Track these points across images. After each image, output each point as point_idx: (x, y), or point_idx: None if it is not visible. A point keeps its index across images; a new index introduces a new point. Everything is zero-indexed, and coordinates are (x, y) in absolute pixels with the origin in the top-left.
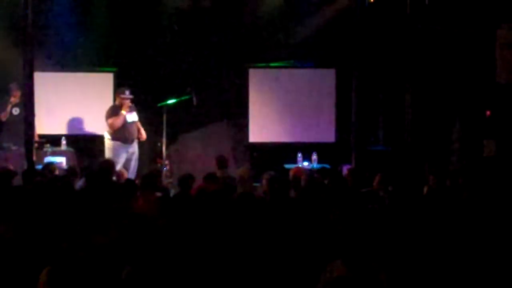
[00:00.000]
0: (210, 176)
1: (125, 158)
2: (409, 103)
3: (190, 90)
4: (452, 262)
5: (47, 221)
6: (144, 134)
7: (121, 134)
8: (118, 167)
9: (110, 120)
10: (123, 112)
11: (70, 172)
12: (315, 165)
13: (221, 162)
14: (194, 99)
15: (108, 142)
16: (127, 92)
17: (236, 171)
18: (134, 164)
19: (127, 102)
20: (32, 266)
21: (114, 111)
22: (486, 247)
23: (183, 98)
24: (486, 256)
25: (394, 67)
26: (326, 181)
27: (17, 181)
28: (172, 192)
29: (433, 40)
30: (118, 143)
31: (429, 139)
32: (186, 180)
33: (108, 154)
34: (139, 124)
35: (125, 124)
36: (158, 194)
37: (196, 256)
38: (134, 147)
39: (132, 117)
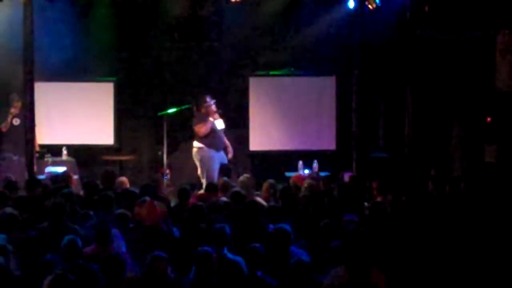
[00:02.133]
0: (211, 185)
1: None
2: (409, 110)
3: (193, 103)
4: (452, 267)
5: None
6: (231, 150)
7: (213, 141)
8: (216, 174)
9: (197, 127)
10: (211, 118)
11: (63, 180)
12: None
13: (225, 171)
14: (195, 108)
15: (203, 151)
16: (208, 98)
17: (237, 179)
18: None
19: (212, 108)
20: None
21: (201, 119)
22: (486, 252)
23: (183, 107)
24: (487, 261)
25: (394, 74)
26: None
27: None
28: (173, 202)
29: (433, 46)
30: (213, 150)
31: (430, 145)
32: (184, 192)
33: (205, 163)
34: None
35: (215, 131)
36: (157, 203)
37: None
38: (223, 156)
39: (220, 124)
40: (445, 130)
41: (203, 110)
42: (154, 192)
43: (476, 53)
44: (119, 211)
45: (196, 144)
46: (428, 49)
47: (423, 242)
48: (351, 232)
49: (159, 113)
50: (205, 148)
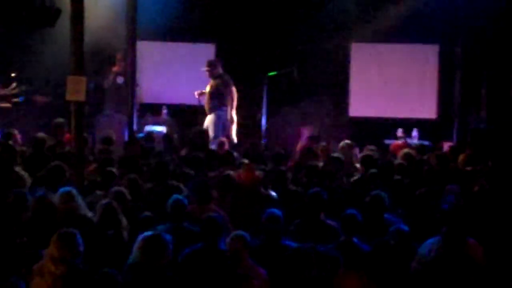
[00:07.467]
0: (314, 137)
1: None
2: None
3: (293, 68)
4: None
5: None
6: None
7: None
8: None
9: None
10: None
11: (166, 140)
12: (415, 141)
13: (313, 140)
14: (296, 72)
15: None
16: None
17: (336, 145)
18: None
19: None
20: None
21: None
22: None
23: (283, 71)
24: None
25: (499, 44)
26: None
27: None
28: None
29: None
30: None
31: None
32: (279, 156)
33: None
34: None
35: None
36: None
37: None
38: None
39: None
40: None
41: None
42: (253, 155)
43: None
44: (216, 172)
45: None
46: None
47: None
48: (450, 203)
49: (269, 74)
50: None
